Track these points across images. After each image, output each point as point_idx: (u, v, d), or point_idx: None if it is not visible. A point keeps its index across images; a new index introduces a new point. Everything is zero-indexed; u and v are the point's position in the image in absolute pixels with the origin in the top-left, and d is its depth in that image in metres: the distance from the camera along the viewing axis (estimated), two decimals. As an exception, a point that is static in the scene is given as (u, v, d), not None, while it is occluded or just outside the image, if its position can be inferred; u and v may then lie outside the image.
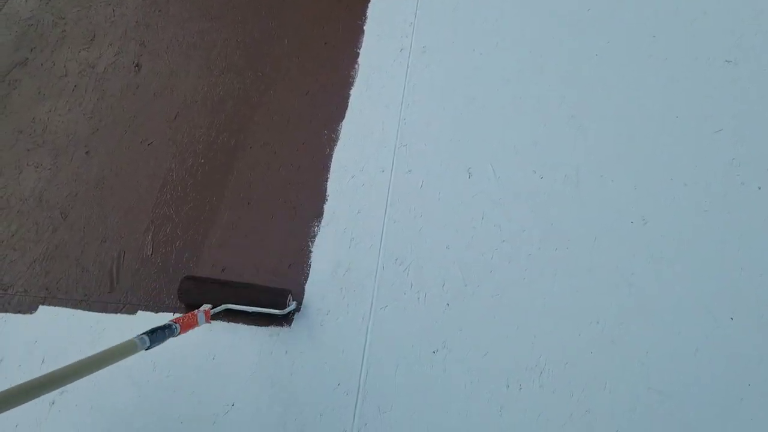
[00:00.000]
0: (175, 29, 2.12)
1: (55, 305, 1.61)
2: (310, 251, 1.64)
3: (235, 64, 2.01)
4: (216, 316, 1.52)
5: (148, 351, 1.20)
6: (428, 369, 1.44)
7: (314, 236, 1.67)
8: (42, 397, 1.44)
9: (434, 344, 1.47)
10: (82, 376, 1.06)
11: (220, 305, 1.49)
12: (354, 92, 1.92)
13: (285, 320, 1.53)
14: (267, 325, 1.53)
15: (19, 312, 1.60)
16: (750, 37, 1.87)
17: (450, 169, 1.73)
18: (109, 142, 1.88)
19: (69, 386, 1.44)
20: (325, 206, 1.71)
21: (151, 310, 1.57)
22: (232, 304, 1.50)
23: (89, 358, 1.09)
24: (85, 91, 1.99)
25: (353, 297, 1.56)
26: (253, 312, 1.51)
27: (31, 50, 2.11)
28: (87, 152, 1.86)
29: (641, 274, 1.52)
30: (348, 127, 1.85)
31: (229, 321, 1.53)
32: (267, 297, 1.51)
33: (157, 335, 1.21)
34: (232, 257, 1.64)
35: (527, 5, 2.03)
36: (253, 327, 1.53)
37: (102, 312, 1.58)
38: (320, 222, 1.69)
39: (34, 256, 1.69)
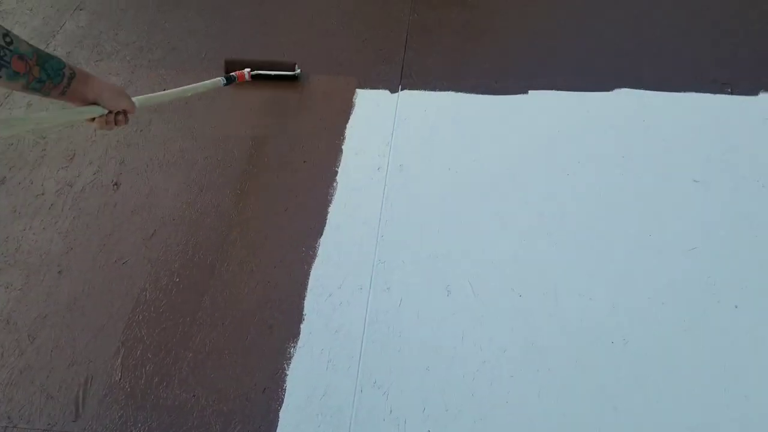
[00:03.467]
0: (156, 148, 2.15)
1: (14, 436, 1.52)
2: (286, 374, 1.59)
3: (215, 182, 2.03)
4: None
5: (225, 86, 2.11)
6: (409, 503, 1.36)
7: (290, 358, 1.62)
8: None
9: (415, 475, 1.40)
10: (183, 96, 1.89)
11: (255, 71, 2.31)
12: (332, 210, 1.94)
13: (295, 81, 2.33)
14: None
15: (-24, 446, 1.51)
16: (716, 157, 1.96)
17: (428, 287, 1.72)
18: (83, 261, 1.85)
19: None
20: (301, 326, 1.68)
21: (114, 441, 1.49)
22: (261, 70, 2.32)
23: (184, 87, 1.87)
24: (62, 210, 1.98)
25: (329, 424, 1.49)
26: (275, 75, 2.34)
27: (9, 169, 2.12)
28: (60, 271, 1.82)
29: (625, 396, 1.49)
30: (326, 245, 1.85)
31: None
32: (282, 66, 2.33)
33: (228, 79, 2.11)
34: (204, 381, 1.58)
35: (501, 125, 2.12)
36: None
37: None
38: (296, 343, 1.65)
39: (0, 379, 1.62)
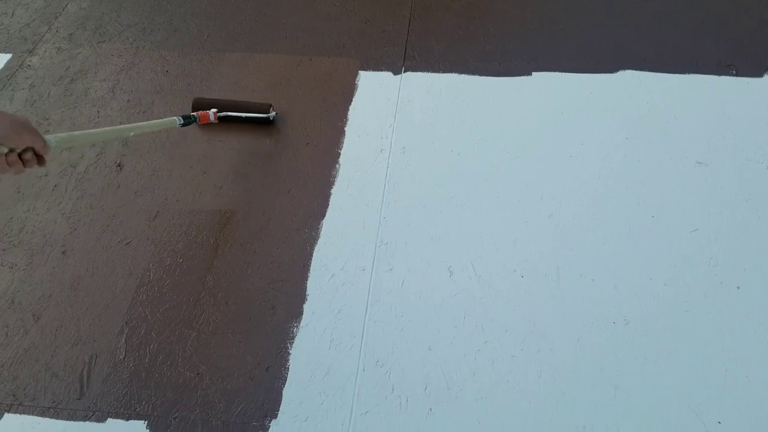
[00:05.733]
0: (158, 131, 2.15)
1: (21, 413, 1.53)
2: (289, 353, 1.60)
3: (218, 164, 2.03)
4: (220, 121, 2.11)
5: (182, 127, 1.89)
6: (411, 480, 1.37)
7: (293, 337, 1.63)
8: None
9: (417, 452, 1.41)
10: (126, 134, 1.72)
11: (223, 113, 2.10)
12: (335, 191, 1.94)
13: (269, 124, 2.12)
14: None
15: (-19, 424, 1.53)
16: (719, 139, 1.95)
17: (431, 268, 1.73)
18: (87, 241, 1.85)
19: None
20: (304, 306, 1.69)
21: (122, 418, 1.50)
22: (230, 111, 2.11)
23: (139, 124, 1.70)
24: (65, 191, 1.99)
25: (333, 402, 1.51)
26: (246, 117, 2.11)
27: (14, 150, 2.12)
28: (63, 252, 1.83)
29: (626, 376, 1.50)
30: (329, 226, 1.86)
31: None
32: (254, 107, 2.10)
33: (187, 120, 1.90)
34: (209, 360, 1.59)
35: (504, 107, 2.11)
36: (228, 435, 1.46)
37: (70, 420, 1.51)
38: (299, 322, 1.66)
39: (2, 361, 1.62)
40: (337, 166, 2.01)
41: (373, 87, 2.23)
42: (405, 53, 2.36)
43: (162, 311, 1.69)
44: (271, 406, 1.51)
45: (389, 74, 2.28)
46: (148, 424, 1.49)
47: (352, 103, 2.19)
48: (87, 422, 1.50)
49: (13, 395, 1.57)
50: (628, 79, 2.20)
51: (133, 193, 1.97)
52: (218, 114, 2.08)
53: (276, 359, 1.59)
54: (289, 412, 1.49)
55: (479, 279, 1.69)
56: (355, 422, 1.46)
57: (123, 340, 1.64)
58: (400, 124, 2.09)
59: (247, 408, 1.51)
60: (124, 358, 1.60)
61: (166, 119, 1.81)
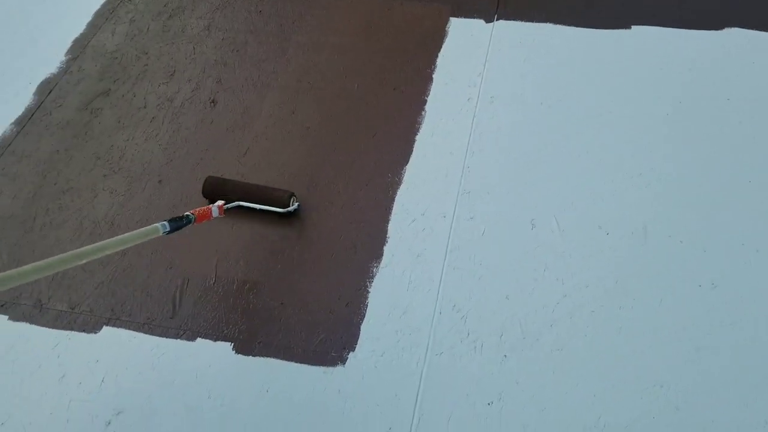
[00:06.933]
0: (250, 69, 2.20)
1: (118, 327, 1.65)
2: (368, 291, 1.65)
3: (307, 105, 2.07)
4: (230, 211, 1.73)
5: (168, 235, 1.46)
6: (482, 421, 1.40)
7: (372, 277, 1.68)
8: (99, 417, 1.48)
9: (489, 395, 1.44)
10: (105, 253, 1.26)
11: (234, 202, 1.73)
12: (419, 138, 1.95)
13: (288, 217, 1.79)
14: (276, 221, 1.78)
15: (83, 331, 1.65)
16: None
17: (513, 219, 1.72)
18: (182, 173, 1.94)
19: (126, 405, 1.48)
20: (384, 248, 1.72)
21: (210, 338, 1.59)
22: (243, 201, 1.75)
23: (119, 237, 1.31)
24: (162, 123, 2.07)
25: (408, 341, 1.55)
26: (260, 209, 1.76)
27: (114, 82, 2.22)
28: (160, 181, 1.93)
29: (709, 340, 1.47)
30: (412, 172, 1.87)
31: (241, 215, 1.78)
32: (274, 196, 1.76)
33: (176, 223, 1.46)
34: (292, 292, 1.66)
35: (599, 61, 2.04)
36: (309, 366, 1.53)
37: (162, 336, 1.61)
38: (379, 263, 1.70)
39: (102, 278, 1.74)
40: (423, 113, 2.01)
41: (464, 34, 2.20)
42: (498, 0, 2.30)
43: (250, 241, 1.76)
44: (349, 340, 1.57)
45: (481, 22, 2.24)
46: (234, 346, 1.58)
47: (441, 50, 2.18)
48: (178, 340, 1.60)
49: (112, 310, 1.69)
50: (734, 37, 2.09)
51: (225, 129, 2.04)
52: (226, 206, 1.69)
53: (355, 296, 1.64)
54: (367, 346, 1.55)
55: (562, 233, 1.67)
56: (429, 362, 1.50)
57: (213, 266, 1.72)
58: (490, 74, 2.06)
59: (327, 339, 1.57)
60: (213, 284, 1.69)
61: (145, 229, 1.39)
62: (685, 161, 1.78)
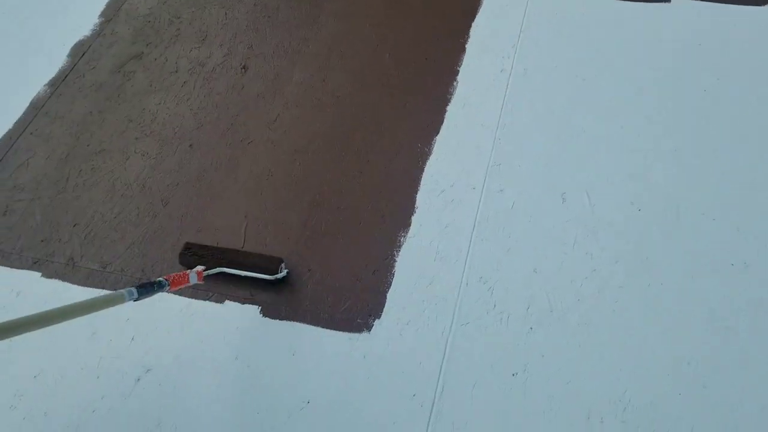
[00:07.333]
0: (282, 35, 2.19)
1: (148, 287, 1.67)
2: (395, 260, 1.65)
3: (337, 74, 2.06)
4: (210, 278, 1.60)
5: (136, 301, 1.31)
6: (507, 391, 1.41)
7: (400, 246, 1.68)
8: (128, 373, 1.51)
9: (514, 367, 1.44)
10: (70, 318, 1.15)
11: (215, 268, 1.58)
12: (451, 109, 1.93)
13: (276, 286, 1.63)
14: (262, 290, 1.63)
15: (114, 289, 1.67)
16: None
17: (543, 193, 1.71)
18: (212, 137, 1.95)
19: (155, 363, 1.51)
20: (413, 218, 1.72)
21: (238, 301, 1.61)
22: (226, 267, 1.60)
23: (81, 302, 1.19)
24: (193, 88, 2.08)
25: (434, 310, 1.55)
26: (245, 276, 1.60)
27: (147, 45, 2.23)
28: (190, 145, 1.94)
29: (738, 320, 1.46)
30: (442, 143, 1.86)
31: (221, 286, 1.65)
32: (260, 263, 1.61)
33: (146, 289, 1.32)
34: (319, 259, 1.67)
35: (636, 35, 2.00)
36: (334, 331, 1.54)
37: (192, 298, 1.63)
38: (407, 233, 1.70)
39: (133, 239, 1.77)
40: (455, 83, 1.99)
41: (499, 5, 2.17)
42: (535, -29, 2.26)
43: (278, 208, 1.77)
44: (375, 307, 1.58)
45: (516, -8, 2.20)
46: (261, 310, 1.60)
47: (475, 20, 2.14)
48: (207, 301, 1.63)
49: (142, 270, 1.72)
50: (779, 13, 2.03)
51: (255, 95, 2.04)
52: (205, 272, 1.55)
53: (382, 264, 1.65)
54: (393, 314, 1.55)
55: (593, 208, 1.65)
56: (455, 331, 1.51)
57: (243, 230, 1.74)
58: (524, 45, 2.03)
59: (353, 306, 1.58)
60: (242, 248, 1.71)
61: (108, 294, 1.27)
62: (722, 139, 1.74)
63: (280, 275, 1.62)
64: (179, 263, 1.65)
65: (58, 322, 1.13)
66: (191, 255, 1.63)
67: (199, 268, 1.54)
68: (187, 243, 1.67)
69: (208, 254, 1.63)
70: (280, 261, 1.62)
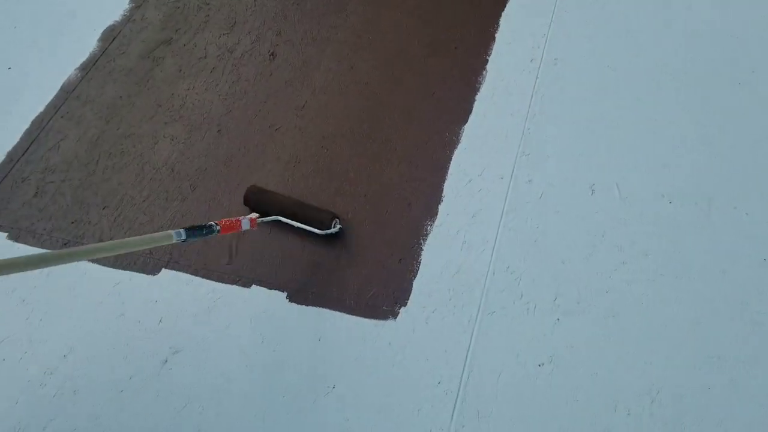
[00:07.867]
0: (310, 22, 2.19)
1: (176, 270, 1.69)
2: (422, 249, 1.65)
3: (366, 61, 2.05)
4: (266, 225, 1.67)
5: (185, 243, 1.36)
6: (533, 381, 1.40)
7: (426, 235, 1.67)
8: (156, 354, 1.53)
9: (540, 357, 1.44)
10: (119, 252, 1.24)
11: (272, 216, 1.64)
12: (479, 98, 1.92)
13: (329, 239, 1.67)
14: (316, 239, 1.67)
15: (143, 272, 1.69)
16: None
17: (572, 184, 1.69)
18: (240, 123, 1.96)
19: (182, 345, 1.52)
20: (439, 207, 1.72)
21: (265, 287, 1.62)
22: (282, 217, 1.64)
23: (131, 239, 1.25)
24: (222, 74, 2.09)
25: (460, 299, 1.55)
26: (298, 227, 1.64)
27: (176, 31, 2.24)
28: (219, 131, 1.95)
29: (771, 315, 1.43)
30: (470, 132, 1.85)
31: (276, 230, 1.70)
32: (315, 216, 1.65)
33: (194, 232, 1.36)
34: (344, 245, 1.67)
35: (669, 25, 1.97)
36: (360, 318, 1.54)
37: (219, 282, 1.65)
38: (433, 221, 1.70)
39: (162, 222, 1.78)
40: (484, 72, 1.97)
41: (530, -6, 2.15)
42: (567, -40, 2.23)
43: (305, 194, 1.78)
44: (401, 295, 1.58)
45: (548, -19, 2.18)
46: (288, 295, 1.61)
47: (506, 9, 2.12)
48: (234, 286, 1.64)
49: (170, 254, 1.73)
50: (818, 4, 1.98)
51: (283, 82, 2.05)
52: (259, 219, 1.60)
53: (408, 252, 1.65)
54: (419, 302, 1.56)
55: (623, 200, 1.64)
56: (481, 320, 1.50)
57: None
58: (555, 35, 2.01)
59: (379, 293, 1.59)
60: (269, 234, 1.71)
61: (156, 234, 1.30)
62: (756, 133, 1.71)
63: (333, 230, 1.64)
64: (243, 204, 1.71)
65: (109, 255, 1.28)
66: (257, 193, 1.71)
67: (253, 215, 1.58)
68: (253, 185, 1.74)
69: (268, 200, 1.69)
70: (334, 216, 1.66)
